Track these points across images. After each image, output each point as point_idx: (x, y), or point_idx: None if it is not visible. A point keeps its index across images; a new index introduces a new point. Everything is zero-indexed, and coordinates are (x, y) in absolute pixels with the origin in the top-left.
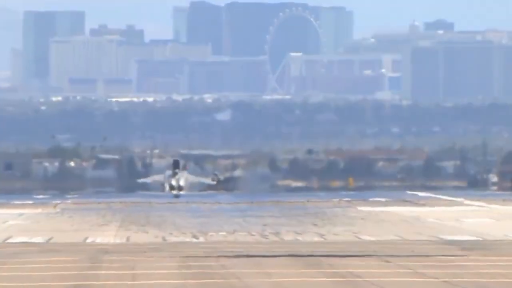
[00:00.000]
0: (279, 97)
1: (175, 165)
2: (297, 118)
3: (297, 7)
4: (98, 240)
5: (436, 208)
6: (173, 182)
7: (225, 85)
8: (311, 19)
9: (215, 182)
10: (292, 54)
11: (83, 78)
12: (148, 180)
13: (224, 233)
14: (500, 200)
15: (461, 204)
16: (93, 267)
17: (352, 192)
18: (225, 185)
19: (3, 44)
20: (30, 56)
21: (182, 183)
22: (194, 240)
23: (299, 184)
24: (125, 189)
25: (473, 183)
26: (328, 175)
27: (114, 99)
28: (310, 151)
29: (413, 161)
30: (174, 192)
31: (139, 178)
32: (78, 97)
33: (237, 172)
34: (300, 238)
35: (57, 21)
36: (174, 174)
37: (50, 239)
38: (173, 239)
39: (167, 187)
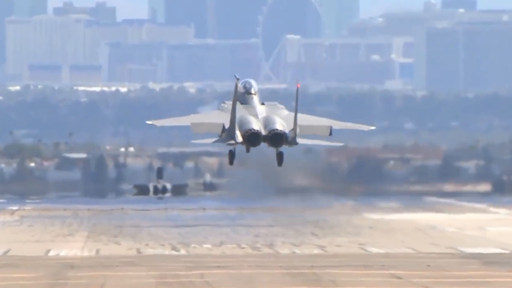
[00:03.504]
0: (274, 86)
1: (159, 173)
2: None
3: None
4: (63, 253)
5: (456, 216)
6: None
7: (210, 73)
8: None
9: None
10: (289, 36)
11: (45, 64)
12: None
13: (209, 245)
14: None
15: (484, 211)
16: (56, 284)
17: (358, 197)
18: None
19: None
20: None
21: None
22: (174, 252)
23: (297, 187)
24: (94, 193)
25: (498, 186)
26: (330, 177)
27: (81, 89)
28: (308, 149)
29: (429, 161)
30: (159, 195)
31: (111, 180)
32: (39, 86)
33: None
34: (297, 250)
35: None
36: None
37: (7, 251)
38: (149, 251)
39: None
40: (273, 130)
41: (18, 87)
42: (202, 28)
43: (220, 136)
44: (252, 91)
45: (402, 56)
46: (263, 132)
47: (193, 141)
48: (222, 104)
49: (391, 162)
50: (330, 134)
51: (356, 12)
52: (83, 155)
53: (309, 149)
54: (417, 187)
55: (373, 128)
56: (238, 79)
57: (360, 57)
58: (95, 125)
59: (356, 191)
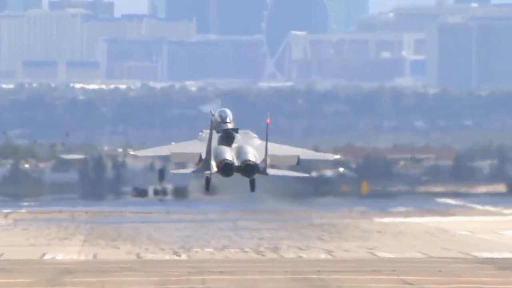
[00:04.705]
0: (278, 84)
1: (160, 175)
2: (300, 110)
3: None
4: (59, 257)
5: (469, 219)
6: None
7: (213, 70)
8: None
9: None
10: (294, 32)
11: (40, 61)
12: None
13: (211, 249)
14: None
15: (498, 213)
16: None
17: (366, 200)
18: None
19: None
20: None
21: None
22: (175, 257)
23: (302, 189)
24: (92, 195)
25: None
26: (338, 179)
27: (78, 86)
28: (315, 150)
29: (441, 162)
30: (159, 196)
31: (109, 182)
32: (34, 84)
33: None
34: (303, 255)
35: None
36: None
37: (0, 256)
38: (149, 256)
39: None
40: (246, 161)
41: (12, 85)
42: (204, 23)
43: (198, 164)
44: (228, 120)
45: (413, 52)
46: (236, 163)
47: (171, 171)
48: (200, 133)
49: (401, 163)
50: (298, 163)
51: (365, 7)
52: (80, 156)
53: (317, 149)
54: (428, 189)
55: (337, 157)
56: (213, 114)
57: (369, 54)
58: (93, 125)
59: (365, 193)
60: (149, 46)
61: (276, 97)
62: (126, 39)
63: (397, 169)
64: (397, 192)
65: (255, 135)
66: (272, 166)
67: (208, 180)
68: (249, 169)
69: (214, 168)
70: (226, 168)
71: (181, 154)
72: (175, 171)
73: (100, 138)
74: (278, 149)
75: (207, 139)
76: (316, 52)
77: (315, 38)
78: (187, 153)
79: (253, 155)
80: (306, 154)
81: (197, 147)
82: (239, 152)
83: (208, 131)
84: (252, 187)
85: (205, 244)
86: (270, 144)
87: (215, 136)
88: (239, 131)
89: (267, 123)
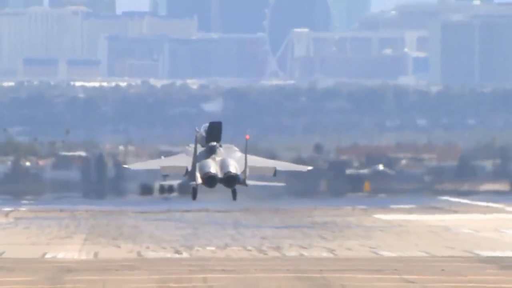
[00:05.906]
0: (281, 82)
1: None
2: (302, 108)
3: None
4: (60, 256)
5: (471, 216)
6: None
7: (214, 68)
8: None
9: None
10: (297, 30)
11: (41, 59)
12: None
13: (213, 248)
14: None
15: (501, 211)
16: None
17: (368, 198)
18: None
19: None
20: None
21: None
22: (177, 255)
23: (305, 187)
24: (93, 194)
25: None
26: (340, 177)
27: (78, 84)
28: (317, 148)
29: (443, 160)
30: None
31: (111, 180)
32: (34, 82)
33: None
34: (305, 253)
35: None
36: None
37: (1, 254)
38: (150, 254)
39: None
40: (228, 173)
41: (12, 83)
42: (206, 21)
43: (184, 175)
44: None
45: (415, 50)
46: (219, 175)
47: (161, 183)
48: (187, 147)
49: (404, 161)
50: (275, 174)
51: (367, 5)
52: (81, 154)
53: (319, 146)
54: (431, 187)
55: (310, 168)
56: (198, 131)
57: (372, 52)
58: (94, 123)
59: (367, 191)
60: (150, 44)
61: (278, 95)
62: (127, 37)
63: (400, 167)
64: (400, 190)
65: (236, 149)
66: (253, 177)
67: (194, 190)
68: (230, 180)
69: (199, 179)
70: (209, 180)
71: (170, 167)
72: (164, 183)
73: (101, 136)
74: (257, 161)
75: (193, 153)
76: (319, 50)
77: (318, 36)
78: (175, 166)
79: (235, 167)
80: (281, 165)
81: (184, 161)
82: (222, 165)
83: (194, 145)
84: (234, 196)
85: (206, 242)
86: (249, 157)
87: (200, 150)
88: (223, 144)
89: (247, 139)
